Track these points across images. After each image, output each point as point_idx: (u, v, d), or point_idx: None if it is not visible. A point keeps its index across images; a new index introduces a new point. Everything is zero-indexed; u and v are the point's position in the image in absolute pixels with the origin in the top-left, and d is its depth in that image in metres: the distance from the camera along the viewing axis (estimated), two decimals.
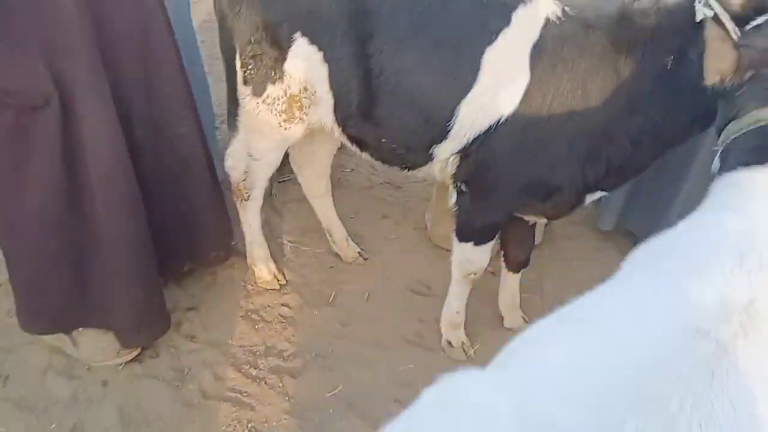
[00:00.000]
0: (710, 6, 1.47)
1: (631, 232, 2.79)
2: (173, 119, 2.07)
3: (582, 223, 2.97)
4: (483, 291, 2.49)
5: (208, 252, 2.42)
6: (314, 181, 2.64)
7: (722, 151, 1.21)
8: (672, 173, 2.46)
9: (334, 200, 2.73)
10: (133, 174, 1.91)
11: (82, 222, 1.88)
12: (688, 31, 1.53)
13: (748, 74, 1.29)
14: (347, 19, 1.85)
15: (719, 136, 1.27)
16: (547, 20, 1.68)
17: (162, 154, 2.08)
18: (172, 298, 2.42)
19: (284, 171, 2.92)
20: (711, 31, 1.42)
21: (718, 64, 1.39)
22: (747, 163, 1.07)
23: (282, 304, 2.50)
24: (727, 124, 1.24)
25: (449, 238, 2.16)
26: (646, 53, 1.60)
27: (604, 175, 1.74)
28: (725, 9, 1.43)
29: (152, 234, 2.05)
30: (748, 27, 1.34)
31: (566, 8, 1.68)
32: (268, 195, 2.88)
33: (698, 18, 1.50)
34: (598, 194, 1.87)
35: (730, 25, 1.40)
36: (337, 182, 3.10)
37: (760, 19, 1.33)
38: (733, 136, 1.19)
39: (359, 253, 2.74)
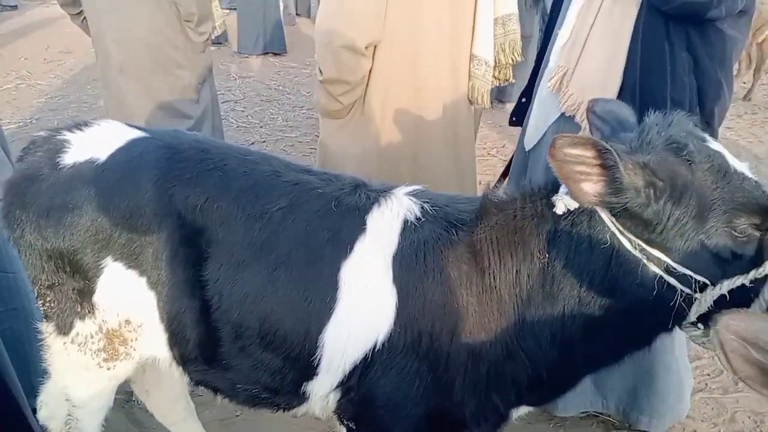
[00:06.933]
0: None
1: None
2: None
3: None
4: None
5: None
6: (169, 405, 2.09)
7: None
8: None
9: None
10: None
11: None
12: (554, 224, 1.34)
13: None
14: (174, 237, 1.49)
15: None
16: (405, 223, 1.45)
17: None
18: None
19: None
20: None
21: None
22: None
23: None
24: None
25: None
26: (516, 251, 1.37)
27: (517, 396, 1.45)
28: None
29: None
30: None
31: (425, 205, 1.47)
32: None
33: (559, 211, 1.33)
34: (525, 409, 1.56)
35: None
36: None
37: None
38: None
39: None
